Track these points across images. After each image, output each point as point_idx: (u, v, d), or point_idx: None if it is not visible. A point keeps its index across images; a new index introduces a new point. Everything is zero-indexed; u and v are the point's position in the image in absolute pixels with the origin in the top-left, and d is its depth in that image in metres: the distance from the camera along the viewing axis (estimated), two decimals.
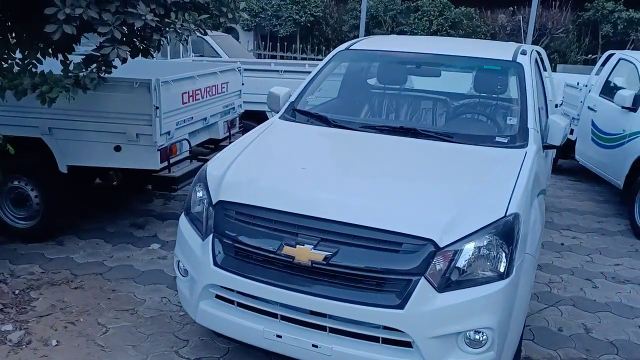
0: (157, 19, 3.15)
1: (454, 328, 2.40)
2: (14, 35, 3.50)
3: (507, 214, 2.53)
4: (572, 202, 6.79)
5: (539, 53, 4.63)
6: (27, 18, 3.37)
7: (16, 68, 3.46)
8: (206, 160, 4.91)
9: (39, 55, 3.52)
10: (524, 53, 3.89)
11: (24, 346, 3.23)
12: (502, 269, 2.45)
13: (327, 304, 2.48)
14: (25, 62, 3.48)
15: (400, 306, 2.39)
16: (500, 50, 4.15)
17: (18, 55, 3.60)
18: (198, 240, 2.84)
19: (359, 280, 2.47)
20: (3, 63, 3.44)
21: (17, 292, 3.84)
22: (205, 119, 5.18)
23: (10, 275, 4.10)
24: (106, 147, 4.33)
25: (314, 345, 2.53)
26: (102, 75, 3.60)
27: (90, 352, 3.20)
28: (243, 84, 6.11)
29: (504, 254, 2.46)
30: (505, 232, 2.49)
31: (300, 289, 2.53)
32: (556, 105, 4.98)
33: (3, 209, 4.68)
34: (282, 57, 16.43)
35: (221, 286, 2.74)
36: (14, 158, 3.85)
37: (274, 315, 2.63)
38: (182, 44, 3.52)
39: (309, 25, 18.20)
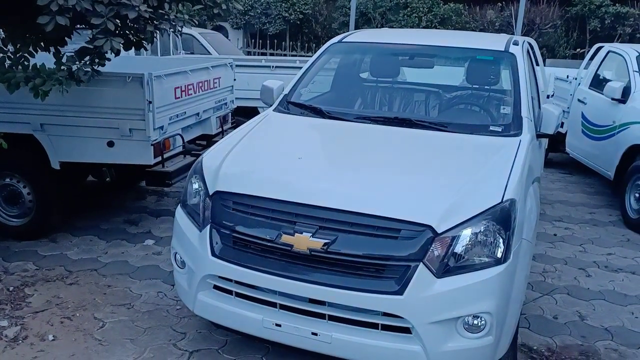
0: (150, 10, 3.13)
1: (452, 313, 2.41)
2: (5, 28, 3.46)
3: (503, 200, 2.55)
4: (564, 194, 6.85)
5: (530, 44, 4.66)
6: (19, 10, 3.33)
7: (8, 62, 3.43)
8: (199, 156, 4.91)
9: (30, 49, 3.48)
10: (516, 43, 3.92)
11: (20, 341, 3.20)
12: (499, 254, 2.47)
13: (326, 291, 2.48)
14: (17, 55, 3.44)
15: (399, 292, 2.40)
16: (492, 41, 4.18)
17: (10, 48, 3.56)
18: (195, 231, 2.84)
19: (358, 267, 2.48)
20: None
21: (11, 288, 3.81)
22: (197, 114, 5.16)
23: (3, 272, 4.06)
24: (99, 142, 4.30)
25: (313, 333, 2.53)
26: (95, 68, 3.58)
27: (88, 346, 3.18)
28: (235, 80, 6.09)
29: (501, 240, 2.48)
30: (502, 217, 2.51)
31: (299, 277, 2.53)
32: (548, 96, 5.02)
33: None
34: (271, 55, 16.41)
35: (219, 276, 2.73)
36: (5, 155, 3.82)
37: (273, 305, 2.63)
38: (176, 35, 3.50)
39: (298, 22, 18.19)
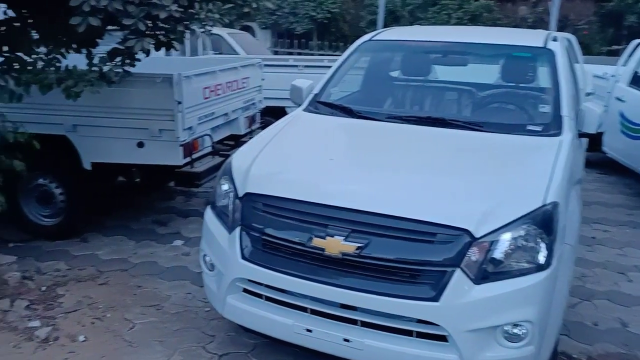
0: (181, 9, 3.10)
1: (491, 321, 2.31)
2: (37, 29, 3.48)
3: (546, 203, 2.44)
4: (602, 195, 6.62)
5: (569, 41, 4.50)
6: (51, 11, 3.35)
7: (40, 63, 3.45)
8: (228, 156, 4.89)
9: (62, 50, 3.50)
10: (554, 39, 3.78)
11: (51, 342, 3.21)
12: (541, 260, 2.36)
13: (358, 296, 2.41)
14: (49, 56, 3.46)
15: (435, 298, 2.31)
16: (529, 37, 4.04)
17: (42, 49, 3.58)
18: (225, 233, 2.79)
19: (392, 272, 2.40)
20: (27, 58, 3.43)
21: (44, 288, 3.84)
22: (226, 114, 5.14)
23: (36, 272, 4.10)
24: (129, 143, 4.32)
25: (345, 340, 2.46)
26: (126, 68, 3.57)
27: (118, 348, 3.18)
28: (263, 80, 6.06)
29: (543, 245, 2.37)
30: (545, 221, 2.40)
31: (331, 282, 2.46)
32: (587, 94, 4.84)
33: (28, 206, 4.69)
34: (299, 54, 16.37)
35: (249, 280, 2.69)
36: (38, 156, 3.85)
37: (304, 309, 2.57)
38: (206, 34, 3.46)
39: (325, 22, 18.12)
